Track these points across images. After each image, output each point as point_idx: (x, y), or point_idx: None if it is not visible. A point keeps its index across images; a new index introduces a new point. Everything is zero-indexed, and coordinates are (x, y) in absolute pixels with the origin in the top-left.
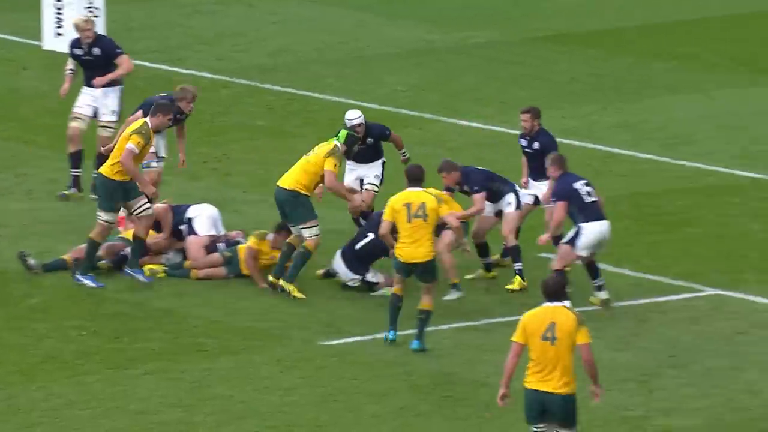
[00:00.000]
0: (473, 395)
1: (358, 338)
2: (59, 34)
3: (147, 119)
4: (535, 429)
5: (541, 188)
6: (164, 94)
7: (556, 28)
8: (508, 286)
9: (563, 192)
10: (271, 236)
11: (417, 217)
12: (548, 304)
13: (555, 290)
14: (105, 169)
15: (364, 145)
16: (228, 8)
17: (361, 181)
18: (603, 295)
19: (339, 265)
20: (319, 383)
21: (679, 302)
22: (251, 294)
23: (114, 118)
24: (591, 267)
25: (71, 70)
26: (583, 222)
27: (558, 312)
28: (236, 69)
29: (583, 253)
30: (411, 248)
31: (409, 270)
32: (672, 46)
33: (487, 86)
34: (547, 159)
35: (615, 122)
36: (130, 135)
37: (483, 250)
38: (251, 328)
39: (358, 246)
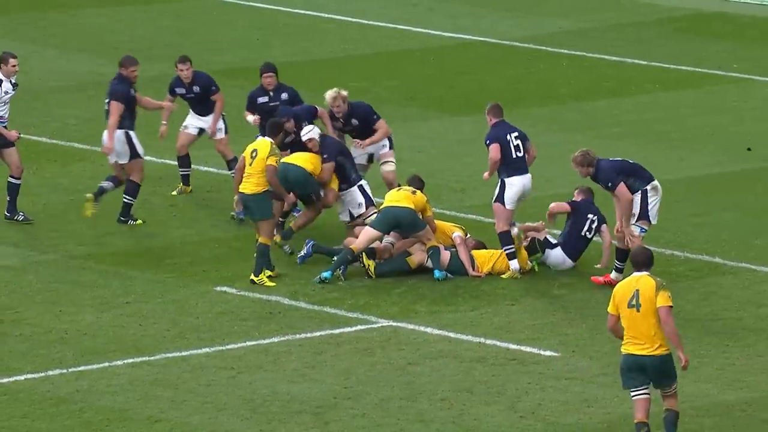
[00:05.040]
0: (147, 431)
1: (29, 375)
2: None
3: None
4: (632, 393)
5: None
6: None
7: (230, 62)
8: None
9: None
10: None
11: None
12: (636, 273)
13: (641, 260)
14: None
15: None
16: None
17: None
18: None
19: None
20: None
21: (354, 334)
22: None
23: None
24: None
25: None
26: (506, 177)
27: (642, 280)
28: None
29: (511, 207)
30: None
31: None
32: (344, 81)
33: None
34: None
35: None
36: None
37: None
38: None
39: None
